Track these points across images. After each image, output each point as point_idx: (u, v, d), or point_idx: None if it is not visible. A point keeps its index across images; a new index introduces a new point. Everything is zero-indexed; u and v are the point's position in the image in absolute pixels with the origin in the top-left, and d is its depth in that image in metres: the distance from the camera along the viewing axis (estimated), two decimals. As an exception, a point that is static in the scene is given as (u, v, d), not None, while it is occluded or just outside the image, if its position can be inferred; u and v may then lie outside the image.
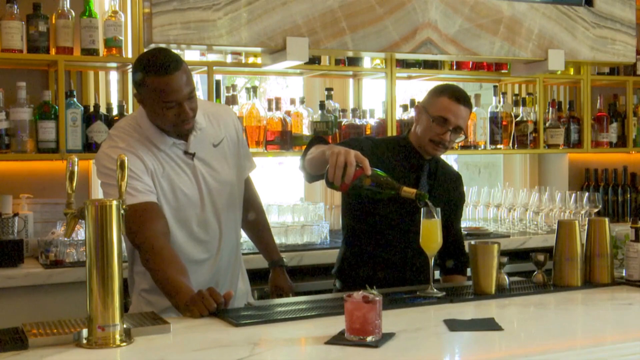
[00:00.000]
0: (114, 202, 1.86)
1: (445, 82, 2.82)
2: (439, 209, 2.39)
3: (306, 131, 3.85)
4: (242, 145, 2.61)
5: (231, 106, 3.69)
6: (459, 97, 2.63)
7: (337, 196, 4.31)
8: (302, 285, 3.33)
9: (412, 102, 4.14)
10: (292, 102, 3.93)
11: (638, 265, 2.57)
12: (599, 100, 4.74)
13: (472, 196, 4.26)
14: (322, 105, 3.89)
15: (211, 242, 2.48)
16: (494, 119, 4.29)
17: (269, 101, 3.81)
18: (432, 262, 2.41)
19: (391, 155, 2.70)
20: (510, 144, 4.39)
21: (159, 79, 2.21)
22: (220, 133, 2.49)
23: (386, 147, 2.73)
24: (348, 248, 2.77)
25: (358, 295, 1.83)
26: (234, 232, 2.58)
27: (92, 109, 3.42)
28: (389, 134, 3.97)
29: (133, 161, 2.28)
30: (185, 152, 2.39)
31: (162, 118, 2.28)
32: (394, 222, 2.66)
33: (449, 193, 2.80)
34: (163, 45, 2.83)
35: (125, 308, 2.02)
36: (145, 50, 3.31)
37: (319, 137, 2.66)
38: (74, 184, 1.89)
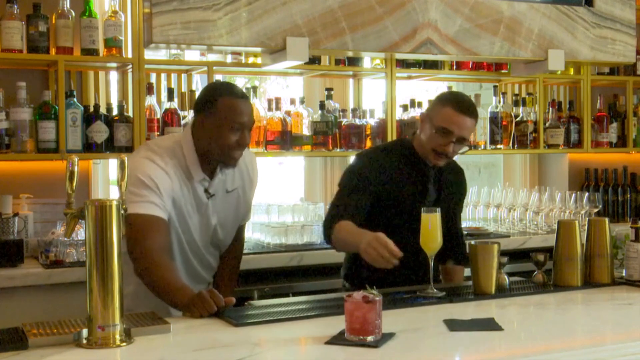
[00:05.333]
0: (114, 202, 1.86)
1: (450, 91, 2.80)
2: (438, 209, 2.40)
3: (306, 131, 3.85)
4: (248, 198, 2.68)
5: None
6: (463, 107, 2.57)
7: (337, 196, 4.30)
8: (302, 285, 3.33)
9: (412, 102, 4.14)
10: (292, 102, 3.93)
11: (638, 265, 2.57)
12: (599, 100, 4.73)
13: (472, 196, 4.26)
14: (322, 105, 3.88)
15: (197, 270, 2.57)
16: (494, 119, 4.29)
17: (269, 101, 3.81)
18: (432, 262, 2.41)
19: (396, 166, 2.68)
20: (510, 144, 4.38)
21: (234, 100, 2.34)
22: (235, 182, 2.57)
23: (390, 158, 2.70)
24: (348, 254, 2.77)
25: (358, 295, 1.83)
26: (215, 263, 2.66)
27: (92, 109, 3.42)
28: (389, 134, 3.97)
29: (163, 181, 2.33)
30: (206, 190, 2.46)
31: (222, 140, 2.34)
32: (399, 223, 2.65)
33: (454, 189, 2.81)
34: (163, 45, 2.83)
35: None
36: (145, 49, 3.33)
37: (336, 215, 2.59)
38: (74, 184, 1.89)
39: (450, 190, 2.78)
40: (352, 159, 4.30)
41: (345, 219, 2.53)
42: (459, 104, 2.58)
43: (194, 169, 2.40)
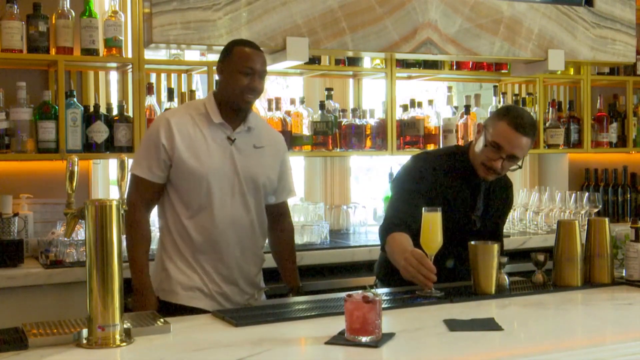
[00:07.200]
0: (114, 202, 1.86)
1: (512, 105, 2.73)
2: (439, 208, 2.39)
3: (306, 131, 3.85)
4: (284, 165, 2.75)
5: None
6: (519, 124, 2.50)
7: (337, 196, 4.31)
8: (302, 285, 3.32)
9: (412, 102, 4.14)
10: (292, 102, 3.93)
11: (638, 265, 2.57)
12: (599, 100, 4.73)
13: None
14: (322, 105, 3.88)
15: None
16: (494, 119, 4.28)
17: (269, 101, 3.81)
18: (431, 262, 2.41)
19: (450, 176, 2.65)
20: (510, 144, 4.38)
21: (246, 49, 2.55)
22: (263, 142, 2.66)
23: (445, 166, 2.67)
24: (384, 254, 2.75)
25: (358, 295, 1.83)
26: (261, 227, 2.68)
27: (92, 109, 3.42)
28: (389, 134, 3.97)
29: (161, 131, 2.51)
30: (228, 138, 2.57)
31: (236, 82, 2.53)
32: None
33: (501, 204, 2.79)
34: (163, 45, 2.83)
35: (125, 308, 2.02)
36: (145, 49, 3.33)
37: (393, 225, 2.56)
38: (74, 184, 1.90)
39: (497, 205, 2.76)
40: (350, 159, 4.35)
41: (399, 229, 2.51)
42: (515, 120, 2.51)
43: (212, 112, 2.57)
